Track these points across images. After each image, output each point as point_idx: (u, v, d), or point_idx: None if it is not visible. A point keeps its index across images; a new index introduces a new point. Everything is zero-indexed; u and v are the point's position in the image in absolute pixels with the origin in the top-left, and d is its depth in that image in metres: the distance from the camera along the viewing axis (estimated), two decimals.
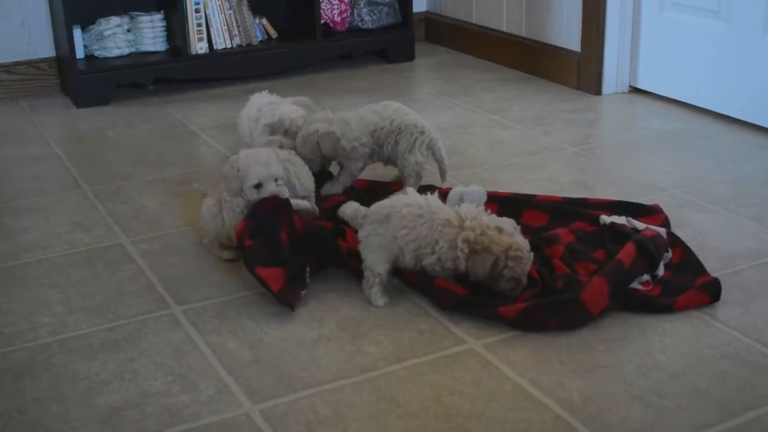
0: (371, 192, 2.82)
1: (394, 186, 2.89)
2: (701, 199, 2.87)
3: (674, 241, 2.47)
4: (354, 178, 2.89)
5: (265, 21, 4.50)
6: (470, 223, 2.21)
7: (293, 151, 2.72)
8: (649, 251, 2.30)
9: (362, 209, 2.34)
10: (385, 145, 2.84)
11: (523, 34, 4.43)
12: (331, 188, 2.87)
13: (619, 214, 2.61)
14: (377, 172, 3.02)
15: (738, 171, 3.09)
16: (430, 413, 1.87)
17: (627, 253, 2.28)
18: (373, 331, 2.19)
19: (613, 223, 2.53)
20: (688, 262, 2.39)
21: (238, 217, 2.44)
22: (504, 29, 4.56)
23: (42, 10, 4.29)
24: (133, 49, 4.32)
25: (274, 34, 4.52)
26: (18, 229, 2.83)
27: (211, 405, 1.92)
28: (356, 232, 2.34)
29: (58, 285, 2.47)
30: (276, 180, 2.42)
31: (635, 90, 4.02)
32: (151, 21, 4.30)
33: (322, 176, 2.88)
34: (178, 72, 4.28)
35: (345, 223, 2.48)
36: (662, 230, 2.47)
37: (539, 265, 2.33)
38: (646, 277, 2.30)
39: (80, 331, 2.23)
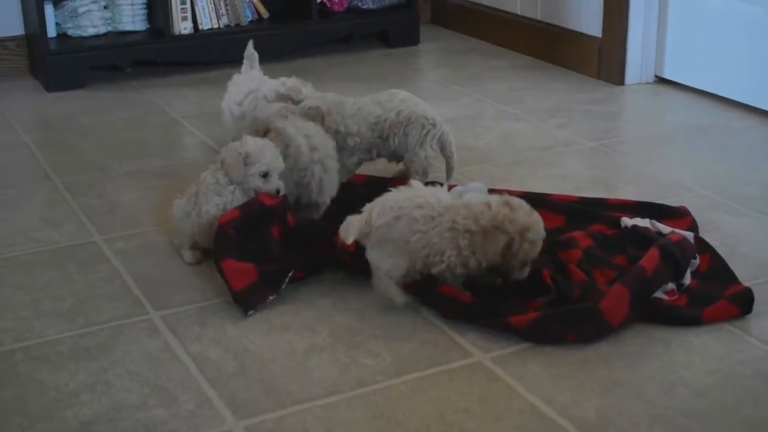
0: (371, 187, 2.81)
1: (394, 183, 2.88)
2: (732, 200, 2.86)
3: (702, 246, 2.46)
4: (350, 174, 2.88)
5: None
6: (466, 212, 2.21)
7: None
8: (674, 257, 2.30)
9: (359, 220, 2.29)
10: (391, 138, 2.83)
11: (539, 17, 4.43)
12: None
13: (642, 216, 2.60)
14: (377, 167, 3.01)
15: None
16: None
17: (650, 259, 2.27)
18: (371, 341, 2.18)
19: (635, 226, 2.52)
20: (717, 270, 2.39)
21: (223, 201, 2.46)
22: (518, 11, 4.56)
23: None
24: (110, 28, 4.31)
25: (265, 13, 4.52)
26: None
27: (191, 420, 1.91)
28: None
29: (24, 286, 2.47)
30: (279, 173, 2.49)
31: (661, 80, 4.02)
32: None
33: None
34: (159, 54, 4.27)
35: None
36: (689, 234, 2.47)
37: (554, 271, 2.32)
38: (671, 285, 2.29)
39: (48, 338, 2.22)
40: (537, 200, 2.71)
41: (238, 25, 4.42)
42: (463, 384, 2.01)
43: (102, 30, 4.28)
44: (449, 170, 2.88)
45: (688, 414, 1.90)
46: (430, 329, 2.22)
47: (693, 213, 2.68)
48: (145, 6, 4.33)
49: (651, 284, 2.24)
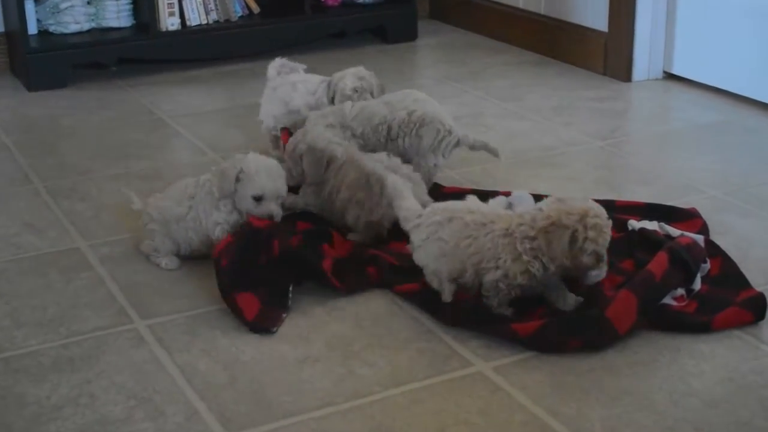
0: None
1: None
2: (745, 201, 2.87)
3: (713, 250, 2.47)
4: None
5: None
6: (520, 219, 2.21)
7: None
8: (684, 262, 2.30)
9: (418, 209, 2.36)
10: (401, 138, 2.85)
11: (543, 11, 4.44)
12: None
13: (651, 218, 2.61)
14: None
15: None
16: None
17: (659, 263, 2.28)
18: (367, 350, 2.18)
19: (643, 229, 2.53)
20: (728, 275, 2.39)
21: (223, 218, 2.47)
22: (520, 5, 4.56)
23: None
24: (93, 25, 4.32)
25: (256, 8, 4.53)
26: None
27: None
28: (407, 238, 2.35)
29: (4, 295, 2.47)
30: (278, 198, 2.47)
31: (670, 76, 4.02)
32: None
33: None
34: (145, 51, 4.27)
35: (331, 225, 2.50)
36: (700, 238, 2.47)
37: None
38: (680, 291, 2.30)
39: (29, 348, 2.22)
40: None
41: (227, 20, 4.43)
42: (463, 395, 2.01)
43: (85, 26, 4.29)
44: (493, 151, 2.88)
45: (699, 426, 1.90)
46: (428, 337, 2.22)
47: (703, 215, 2.69)
48: (130, 1, 4.33)
49: (659, 290, 2.25)
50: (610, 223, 2.18)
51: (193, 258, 2.58)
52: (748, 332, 2.21)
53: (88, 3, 4.29)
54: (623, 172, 3.15)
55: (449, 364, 2.12)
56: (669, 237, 2.48)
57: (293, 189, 2.78)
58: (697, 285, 2.33)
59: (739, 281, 2.37)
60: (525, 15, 4.52)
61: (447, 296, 2.29)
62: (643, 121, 3.67)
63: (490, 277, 2.22)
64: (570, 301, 2.24)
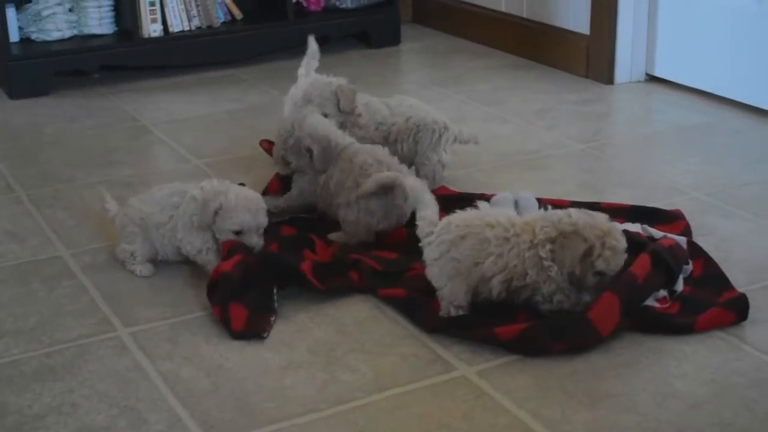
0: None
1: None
2: (727, 203, 2.88)
3: (696, 251, 2.47)
4: None
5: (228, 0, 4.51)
6: (544, 221, 2.20)
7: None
8: (666, 263, 2.30)
9: (435, 218, 2.30)
10: (399, 143, 2.90)
11: (524, 15, 4.44)
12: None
13: (635, 220, 2.61)
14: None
15: None
16: None
17: (641, 265, 2.28)
18: (350, 355, 2.18)
19: (626, 231, 2.53)
20: (711, 276, 2.40)
21: (203, 245, 2.49)
22: (502, 9, 4.57)
23: None
24: (75, 32, 4.31)
25: (238, 14, 4.52)
26: None
27: None
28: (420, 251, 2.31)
29: None
30: (258, 230, 2.48)
31: (652, 78, 4.03)
32: None
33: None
34: (127, 58, 4.27)
35: (315, 231, 2.50)
36: (682, 239, 2.48)
37: None
38: (663, 292, 2.30)
39: (11, 357, 2.21)
40: None
41: (210, 26, 4.42)
42: (446, 399, 2.01)
43: (67, 34, 4.28)
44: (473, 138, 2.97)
45: (682, 427, 1.90)
46: (411, 342, 2.22)
47: (686, 216, 2.69)
48: (112, 8, 4.32)
49: (642, 291, 2.25)
50: (625, 253, 2.19)
51: (172, 264, 2.57)
52: (731, 333, 2.21)
53: (70, 10, 4.28)
54: (606, 174, 3.15)
55: (433, 368, 2.12)
56: (652, 239, 2.48)
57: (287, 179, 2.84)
58: (680, 286, 2.34)
59: (722, 282, 2.37)
60: (507, 18, 4.53)
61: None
62: (626, 124, 3.67)
63: (524, 296, 2.21)
64: (594, 295, 2.21)
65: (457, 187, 2.98)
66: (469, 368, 2.12)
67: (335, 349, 2.20)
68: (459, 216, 2.28)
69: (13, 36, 4.19)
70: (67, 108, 3.97)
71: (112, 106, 3.98)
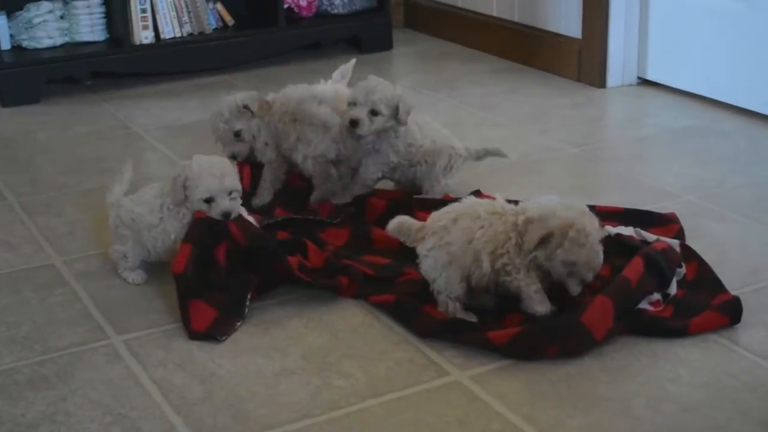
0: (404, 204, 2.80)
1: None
2: (719, 205, 2.88)
3: (689, 254, 2.47)
4: (367, 188, 2.90)
5: (219, 6, 4.50)
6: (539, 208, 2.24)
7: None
8: (659, 266, 2.31)
9: (415, 222, 2.33)
10: (418, 165, 2.88)
11: (516, 19, 4.45)
12: (341, 197, 2.89)
13: (630, 223, 2.61)
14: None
15: (761, 173, 3.11)
16: None
17: (634, 268, 2.28)
18: (343, 361, 2.18)
19: (619, 235, 2.53)
20: (704, 279, 2.40)
21: (184, 229, 2.45)
22: (494, 13, 4.57)
23: None
24: (67, 39, 4.30)
25: (230, 21, 4.52)
26: None
27: None
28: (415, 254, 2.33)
29: None
30: (230, 193, 2.43)
31: (644, 82, 4.04)
32: (89, 6, 4.29)
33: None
34: (119, 65, 4.26)
35: (309, 235, 2.50)
36: (675, 242, 2.48)
37: None
38: (656, 296, 2.30)
39: (3, 366, 2.21)
40: None
41: (201, 33, 4.42)
42: (440, 404, 2.01)
43: (58, 41, 4.27)
44: (497, 152, 2.98)
45: (676, 430, 1.90)
46: (405, 347, 2.22)
47: (679, 220, 2.70)
48: (103, 15, 4.32)
49: (635, 295, 2.25)
50: (597, 247, 2.20)
51: (165, 271, 2.57)
52: (724, 336, 2.21)
53: (62, 17, 4.27)
54: (599, 178, 3.16)
55: (426, 374, 2.12)
56: (645, 242, 2.49)
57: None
58: (673, 289, 2.34)
59: (715, 285, 2.37)
60: (498, 23, 4.53)
61: (471, 319, 2.28)
62: (618, 127, 3.68)
63: (500, 263, 2.23)
64: (579, 287, 2.23)
65: (451, 192, 2.98)
66: (462, 373, 2.12)
67: (329, 355, 2.20)
68: (452, 205, 2.34)
69: (5, 44, 4.19)
70: (59, 115, 3.97)
71: (103, 113, 3.97)
